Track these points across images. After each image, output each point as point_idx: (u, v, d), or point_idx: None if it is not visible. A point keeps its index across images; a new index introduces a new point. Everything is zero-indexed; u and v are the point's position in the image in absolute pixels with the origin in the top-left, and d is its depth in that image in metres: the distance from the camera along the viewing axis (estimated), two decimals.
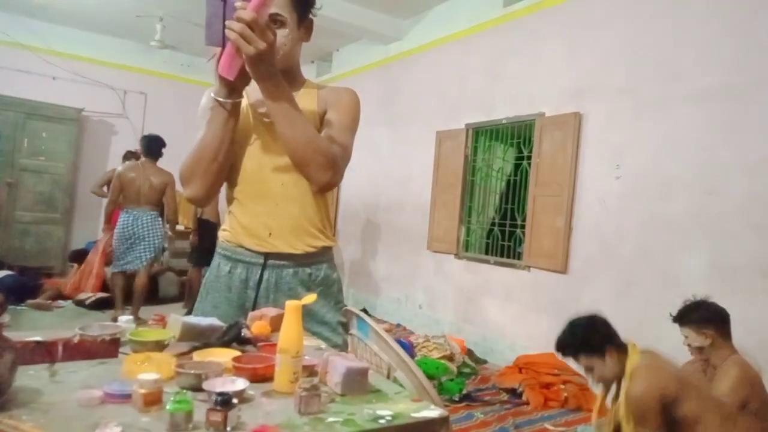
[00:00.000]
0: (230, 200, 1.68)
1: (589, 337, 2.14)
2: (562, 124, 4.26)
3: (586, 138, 4.13)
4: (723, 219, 3.28)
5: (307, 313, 1.63)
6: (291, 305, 1.09)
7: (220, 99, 1.45)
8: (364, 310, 6.38)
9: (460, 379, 3.88)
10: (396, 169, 6.26)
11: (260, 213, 1.61)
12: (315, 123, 1.61)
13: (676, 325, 2.64)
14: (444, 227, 5.42)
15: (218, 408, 0.87)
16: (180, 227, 5.85)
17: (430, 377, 3.73)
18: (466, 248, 5.29)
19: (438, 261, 5.55)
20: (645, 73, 3.77)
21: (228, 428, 0.87)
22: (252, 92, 1.53)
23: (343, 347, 1.67)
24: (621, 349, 2.11)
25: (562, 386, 3.70)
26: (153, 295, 5.74)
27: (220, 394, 0.89)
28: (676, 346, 2.65)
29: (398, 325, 5.85)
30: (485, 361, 4.66)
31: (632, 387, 1.97)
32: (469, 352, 4.65)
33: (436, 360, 4.08)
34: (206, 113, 1.58)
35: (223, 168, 1.57)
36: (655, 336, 3.03)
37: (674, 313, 2.62)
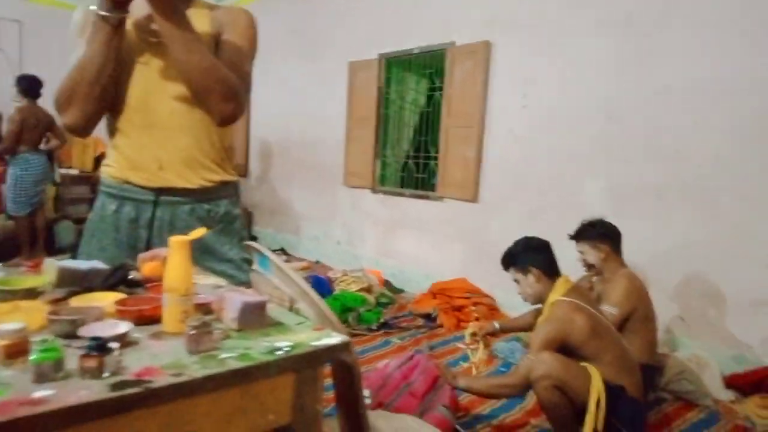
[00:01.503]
0: (113, 131, 1.52)
1: (519, 253, 2.28)
2: (472, 53, 4.24)
3: (496, 68, 4.15)
4: (622, 145, 3.46)
5: (208, 251, 1.56)
6: (176, 240, 1.01)
7: (104, 13, 1.28)
8: (283, 250, 6.32)
9: (377, 309, 3.97)
10: (308, 102, 6.05)
11: (148, 144, 1.47)
12: (210, 48, 1.47)
13: (575, 249, 2.80)
14: (359, 162, 5.37)
15: (93, 353, 0.80)
16: (74, 171, 5.40)
17: (349, 309, 3.80)
18: (382, 182, 5.29)
19: (355, 196, 5.54)
20: (552, 3, 3.79)
21: (105, 374, 0.80)
22: (136, 8, 1.36)
23: (250, 284, 1.62)
24: (549, 275, 2.23)
25: (473, 308, 3.89)
26: (49, 245, 5.35)
27: (94, 338, 0.82)
28: (576, 265, 2.83)
29: (317, 262, 5.85)
30: (402, 291, 4.79)
31: (547, 320, 2.12)
32: (387, 283, 4.76)
33: (354, 293, 4.13)
34: (83, 30, 1.40)
35: (106, 93, 1.41)
36: (557, 257, 3.21)
37: (573, 232, 2.78)
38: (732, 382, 2.80)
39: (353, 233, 5.59)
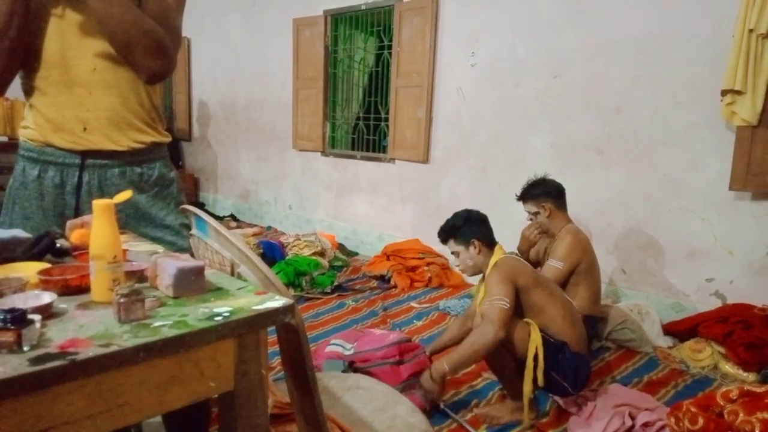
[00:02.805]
0: (30, 91, 1.41)
1: (461, 226, 2.25)
2: (420, 9, 4.15)
3: (444, 25, 4.08)
4: (565, 101, 3.50)
5: (143, 217, 1.49)
6: (100, 204, 0.94)
7: None
8: (232, 216, 6.18)
9: (331, 273, 3.96)
10: (253, 62, 5.82)
11: (69, 104, 1.36)
12: None
13: (522, 205, 2.84)
14: (309, 124, 5.25)
15: (9, 326, 0.74)
16: (2, 138, 5.05)
17: (302, 274, 3.77)
18: (332, 145, 5.20)
19: (305, 160, 5.43)
20: None
21: (25, 348, 0.75)
22: None
23: (191, 251, 1.56)
24: (488, 245, 2.24)
25: (426, 268, 3.93)
26: None
27: (10, 310, 0.76)
28: (523, 222, 2.88)
29: (269, 228, 5.76)
30: (356, 254, 4.79)
31: (493, 271, 2.13)
32: (340, 247, 4.74)
33: (308, 257, 4.10)
34: None
35: (16, 48, 1.29)
36: (505, 213, 3.26)
37: (518, 193, 2.81)
38: (670, 329, 2.95)
39: (305, 197, 5.52)
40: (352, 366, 2.29)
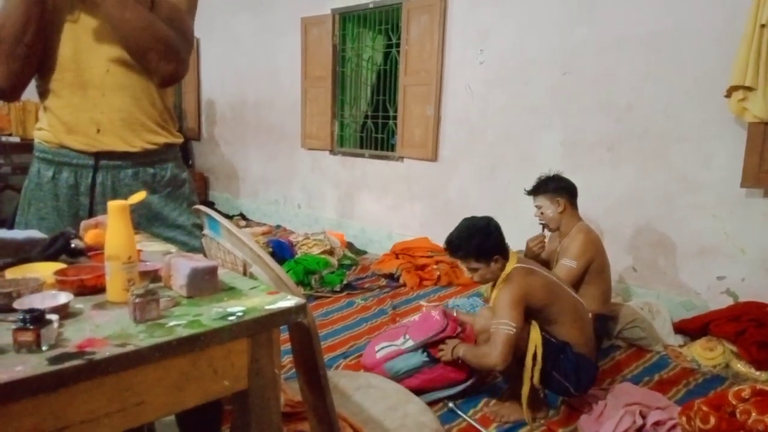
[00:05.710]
0: (44, 93, 1.43)
1: (483, 244, 2.13)
2: (428, 7, 4.15)
3: (452, 22, 4.08)
4: (575, 98, 3.48)
5: (156, 217, 1.50)
6: (115, 205, 0.95)
7: None
8: (242, 215, 6.21)
9: (340, 271, 3.97)
10: (261, 61, 5.84)
11: (83, 105, 1.38)
12: (145, 3, 1.37)
13: (532, 204, 2.82)
14: (317, 123, 5.26)
15: (28, 326, 0.75)
16: (15, 139, 5.10)
17: (312, 272, 3.78)
18: (340, 143, 5.21)
19: (314, 158, 5.45)
20: None
21: (44, 347, 0.76)
22: None
23: (203, 251, 1.57)
24: (506, 256, 2.16)
25: (435, 266, 3.93)
26: None
27: (30, 310, 0.77)
28: (532, 221, 2.87)
29: (278, 227, 5.78)
30: (365, 252, 4.80)
31: (506, 286, 2.08)
32: (349, 245, 4.75)
33: (317, 256, 4.11)
34: None
35: (32, 52, 1.31)
36: (514, 212, 3.26)
37: (532, 186, 2.79)
38: (681, 327, 2.93)
39: (313, 196, 5.53)
40: (428, 351, 2.33)
